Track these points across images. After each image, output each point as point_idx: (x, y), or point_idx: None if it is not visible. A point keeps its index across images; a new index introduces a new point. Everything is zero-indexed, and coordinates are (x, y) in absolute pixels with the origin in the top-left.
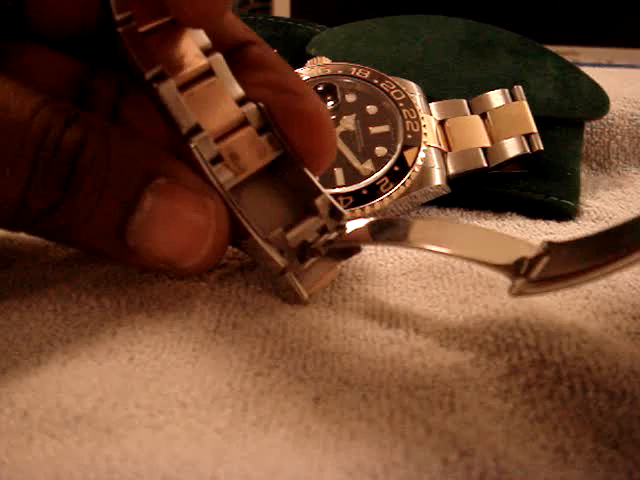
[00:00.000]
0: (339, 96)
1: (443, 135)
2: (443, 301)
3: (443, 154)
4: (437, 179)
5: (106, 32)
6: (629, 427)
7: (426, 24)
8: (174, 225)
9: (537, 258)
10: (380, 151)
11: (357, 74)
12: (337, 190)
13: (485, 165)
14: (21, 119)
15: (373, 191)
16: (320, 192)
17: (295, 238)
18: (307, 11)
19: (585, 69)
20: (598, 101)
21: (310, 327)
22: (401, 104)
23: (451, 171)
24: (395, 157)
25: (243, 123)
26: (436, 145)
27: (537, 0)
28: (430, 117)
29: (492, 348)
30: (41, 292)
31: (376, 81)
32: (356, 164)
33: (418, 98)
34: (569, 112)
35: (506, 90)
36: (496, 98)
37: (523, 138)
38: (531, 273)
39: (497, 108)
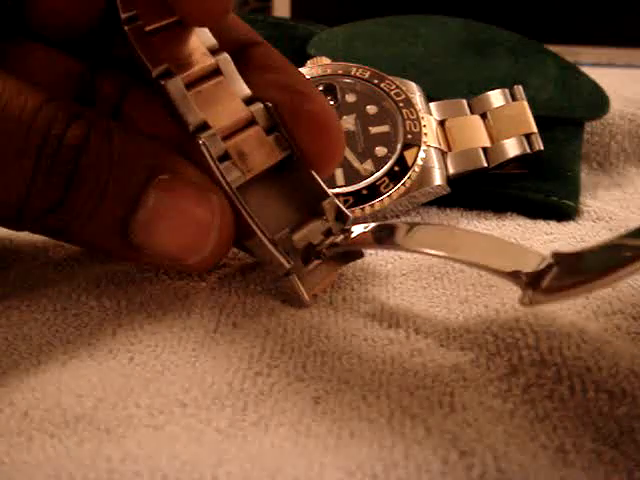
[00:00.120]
0: (339, 96)
1: (443, 135)
2: (443, 301)
3: (443, 154)
4: (437, 179)
5: (107, 31)
6: (629, 427)
7: (426, 24)
8: (178, 221)
9: (547, 268)
10: (380, 151)
11: (357, 74)
12: (337, 190)
13: (485, 165)
14: (24, 116)
15: (373, 191)
16: (327, 194)
17: (301, 240)
18: (307, 11)
19: (585, 69)
20: (598, 101)
21: (310, 327)
22: (401, 104)
23: (451, 171)
24: (395, 157)
25: (251, 122)
26: (436, 145)
27: (537, 0)
28: (430, 117)
29: (492, 348)
30: (41, 292)
31: (376, 81)
32: (356, 164)
33: (418, 98)
34: (569, 112)
35: (506, 90)
36: (496, 98)
37: (523, 138)
38: (541, 283)
39: (497, 108)
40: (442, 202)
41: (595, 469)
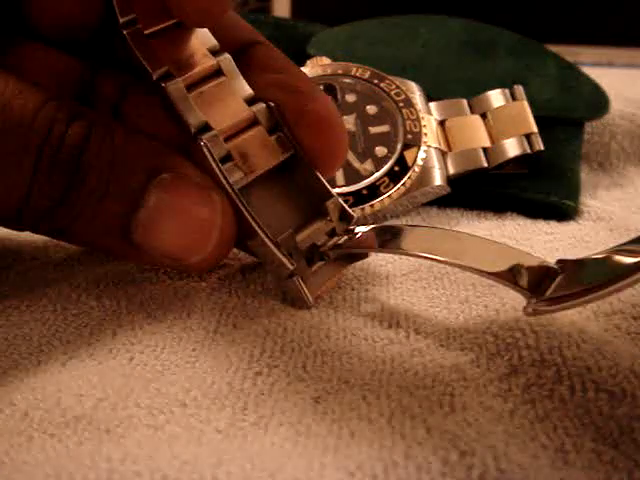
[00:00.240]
0: (339, 96)
1: (443, 135)
2: (443, 301)
3: (443, 154)
4: (437, 179)
5: (107, 32)
6: (629, 427)
7: (426, 24)
8: (180, 220)
9: (551, 276)
10: (380, 151)
11: (357, 74)
12: (337, 190)
13: (485, 165)
14: (25, 115)
15: (373, 191)
16: (331, 195)
17: (304, 240)
18: (307, 11)
19: (585, 69)
20: (598, 101)
21: (310, 326)
22: (401, 104)
23: (451, 171)
24: (395, 157)
25: (253, 122)
26: (436, 145)
27: (537, 0)
28: (430, 117)
29: (492, 348)
30: (41, 292)
31: (376, 81)
32: (356, 164)
33: (418, 98)
34: (569, 112)
35: (506, 90)
36: (496, 98)
37: (523, 138)
38: (545, 292)
39: (497, 108)
40: (442, 202)
41: (595, 469)
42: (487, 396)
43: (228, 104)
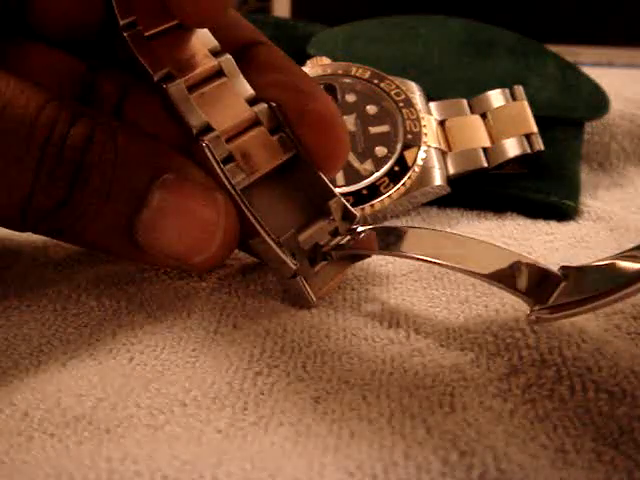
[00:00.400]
0: (339, 96)
1: (443, 135)
2: (443, 301)
3: (443, 154)
4: (437, 179)
5: (108, 33)
6: (629, 427)
7: (426, 24)
8: (183, 220)
9: (554, 283)
10: (380, 151)
11: (357, 74)
12: (337, 190)
13: (485, 165)
14: (27, 115)
15: (373, 191)
16: (333, 194)
17: (307, 240)
18: (307, 11)
19: (585, 69)
20: (598, 101)
21: (310, 326)
22: (401, 104)
23: (451, 171)
24: (395, 157)
25: (255, 123)
26: (436, 145)
27: (537, 0)
28: (430, 117)
29: (492, 348)
30: (41, 292)
31: (376, 81)
32: (356, 164)
33: (418, 98)
34: (569, 112)
35: (506, 90)
36: (496, 98)
37: (523, 138)
38: (548, 299)
39: (497, 108)
40: (442, 202)
41: (595, 469)
42: (487, 396)
43: (229, 105)
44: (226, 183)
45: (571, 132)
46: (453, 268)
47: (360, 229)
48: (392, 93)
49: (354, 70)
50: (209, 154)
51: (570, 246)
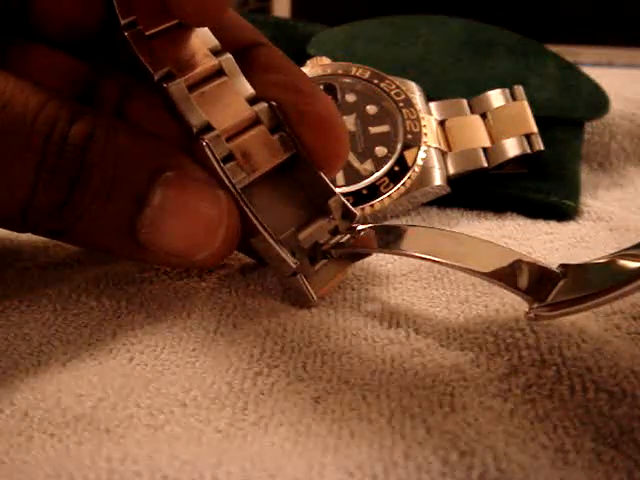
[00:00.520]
0: (339, 96)
1: (443, 135)
2: (443, 301)
3: (443, 154)
4: (437, 179)
5: (109, 34)
6: (629, 427)
7: (426, 24)
8: (186, 217)
9: (553, 281)
10: (380, 151)
11: (357, 74)
12: (337, 190)
13: (485, 165)
14: (27, 114)
15: (373, 191)
16: (333, 193)
17: (307, 239)
18: (307, 11)
19: (585, 69)
20: (598, 101)
21: (310, 326)
22: (401, 104)
23: (451, 171)
24: (395, 157)
25: (255, 122)
26: (436, 145)
27: (537, 0)
28: (430, 117)
29: (492, 348)
30: (41, 292)
31: (376, 81)
32: (356, 164)
33: (418, 98)
34: (569, 112)
35: (506, 90)
36: (496, 98)
37: (523, 138)
38: (547, 297)
39: (497, 108)
40: (442, 202)
41: (595, 469)
42: (487, 396)
43: (230, 104)
44: (226, 182)
45: (571, 132)
46: (453, 266)
47: (360, 228)
48: (392, 93)
49: (354, 70)
50: (209, 153)
51: (570, 246)
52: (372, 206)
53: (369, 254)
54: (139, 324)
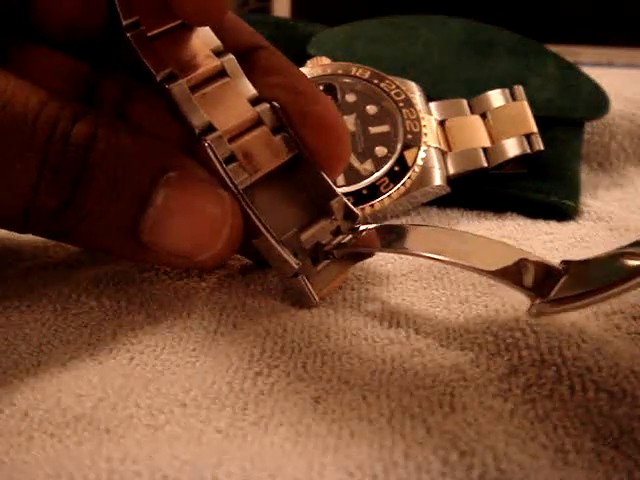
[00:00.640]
0: (339, 96)
1: (443, 135)
2: (443, 301)
3: (443, 154)
4: (437, 179)
5: (111, 36)
6: (629, 427)
7: (426, 24)
8: (189, 217)
9: (556, 277)
10: (380, 151)
11: (357, 74)
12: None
13: (485, 165)
14: (28, 113)
15: (373, 191)
16: (335, 194)
17: (309, 240)
18: (307, 11)
19: (585, 69)
20: (598, 101)
21: (310, 326)
22: (401, 104)
23: (451, 171)
24: (395, 157)
25: (257, 123)
26: (436, 145)
27: (537, 0)
28: (430, 117)
29: (492, 348)
30: (41, 292)
31: (376, 81)
32: (356, 164)
33: (418, 98)
34: (569, 112)
35: (506, 90)
36: (496, 98)
37: (523, 138)
38: (549, 293)
39: (497, 108)
40: (442, 202)
41: (595, 469)
42: (487, 396)
43: (232, 105)
44: (228, 183)
45: (571, 132)
46: (457, 265)
47: (362, 228)
48: (392, 93)
49: (354, 70)
50: (211, 154)
51: (570, 246)
52: (372, 206)
53: (371, 255)
54: (139, 324)
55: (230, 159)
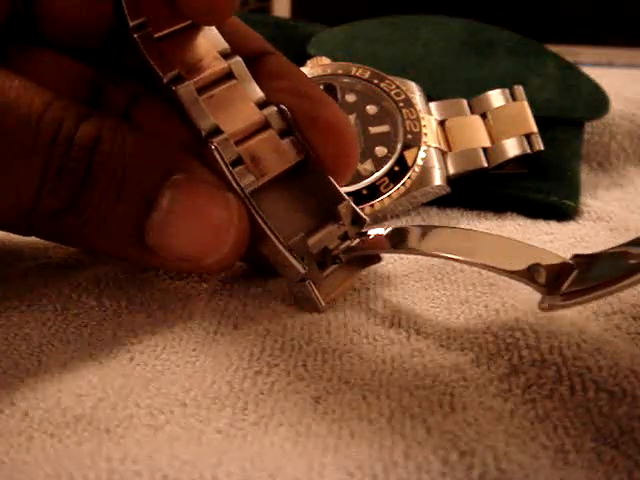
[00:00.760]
0: (339, 96)
1: (443, 135)
2: (444, 302)
3: (443, 154)
4: (437, 179)
5: (117, 39)
6: (629, 427)
7: (426, 24)
8: (195, 221)
9: (567, 271)
10: (380, 151)
11: (357, 74)
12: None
13: (485, 165)
14: (32, 114)
15: (373, 191)
16: (343, 198)
17: (316, 244)
18: (307, 11)
19: (585, 69)
20: (598, 101)
21: (310, 323)
22: (401, 104)
23: (451, 171)
24: (395, 157)
25: (264, 126)
26: (436, 145)
27: (537, 0)
28: (430, 117)
29: (492, 348)
30: (41, 292)
31: (376, 81)
32: None
33: (418, 98)
34: (569, 112)
35: (506, 90)
36: (496, 98)
37: (523, 138)
38: (560, 287)
39: (497, 108)
40: (442, 202)
41: (595, 469)
42: (487, 396)
43: (239, 107)
44: (235, 186)
45: (571, 132)
46: (467, 262)
47: (370, 231)
48: (392, 93)
49: (354, 70)
50: (218, 156)
51: (570, 246)
52: (372, 206)
53: (379, 260)
54: (139, 324)
55: (237, 162)
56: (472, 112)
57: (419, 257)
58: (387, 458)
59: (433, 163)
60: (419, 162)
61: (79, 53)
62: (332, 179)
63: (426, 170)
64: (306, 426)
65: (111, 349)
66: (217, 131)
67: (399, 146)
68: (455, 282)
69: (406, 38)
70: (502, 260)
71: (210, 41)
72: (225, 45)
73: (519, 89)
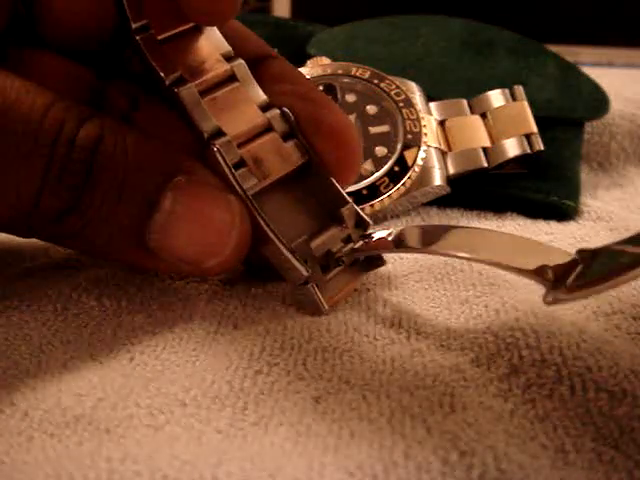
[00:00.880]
0: (339, 96)
1: (443, 135)
2: (444, 302)
3: (443, 154)
4: (437, 179)
5: (118, 42)
6: (629, 427)
7: (426, 24)
8: (197, 223)
9: (572, 266)
10: (380, 151)
11: (357, 74)
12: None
13: (485, 165)
14: (34, 115)
15: (373, 191)
16: (346, 201)
17: (319, 247)
18: (307, 11)
19: (585, 69)
20: (598, 101)
21: (311, 322)
22: (401, 104)
23: (451, 171)
24: (395, 157)
25: (267, 129)
26: (436, 145)
27: (537, 0)
28: (430, 117)
29: (492, 348)
30: (41, 292)
31: (376, 81)
32: None
33: (418, 98)
34: (569, 112)
35: (506, 90)
36: (496, 98)
37: (523, 138)
38: (566, 281)
39: (497, 108)
40: (442, 202)
41: (595, 469)
42: (487, 396)
43: (242, 110)
44: (237, 188)
45: (571, 132)
46: (467, 259)
47: (375, 234)
48: (392, 93)
49: (354, 70)
50: (220, 158)
51: (570, 246)
52: (372, 206)
53: (384, 263)
54: (139, 324)
55: (239, 164)
56: (472, 112)
57: (419, 257)
58: (387, 458)
59: (433, 163)
60: (419, 162)
61: (80, 55)
62: (335, 182)
63: (426, 170)
64: (306, 426)
65: (111, 349)
66: (219, 133)
67: (399, 146)
68: (455, 282)
69: (406, 38)
70: (506, 257)
71: (213, 43)
72: (228, 48)
73: (519, 89)
